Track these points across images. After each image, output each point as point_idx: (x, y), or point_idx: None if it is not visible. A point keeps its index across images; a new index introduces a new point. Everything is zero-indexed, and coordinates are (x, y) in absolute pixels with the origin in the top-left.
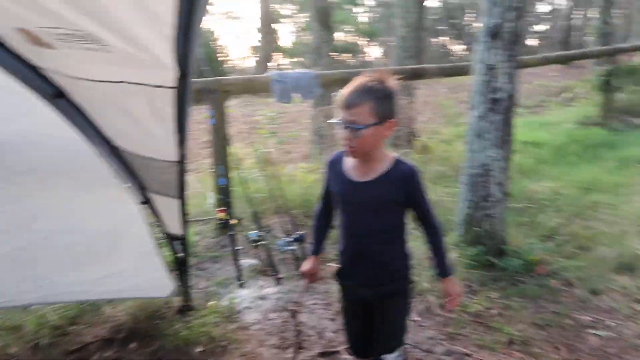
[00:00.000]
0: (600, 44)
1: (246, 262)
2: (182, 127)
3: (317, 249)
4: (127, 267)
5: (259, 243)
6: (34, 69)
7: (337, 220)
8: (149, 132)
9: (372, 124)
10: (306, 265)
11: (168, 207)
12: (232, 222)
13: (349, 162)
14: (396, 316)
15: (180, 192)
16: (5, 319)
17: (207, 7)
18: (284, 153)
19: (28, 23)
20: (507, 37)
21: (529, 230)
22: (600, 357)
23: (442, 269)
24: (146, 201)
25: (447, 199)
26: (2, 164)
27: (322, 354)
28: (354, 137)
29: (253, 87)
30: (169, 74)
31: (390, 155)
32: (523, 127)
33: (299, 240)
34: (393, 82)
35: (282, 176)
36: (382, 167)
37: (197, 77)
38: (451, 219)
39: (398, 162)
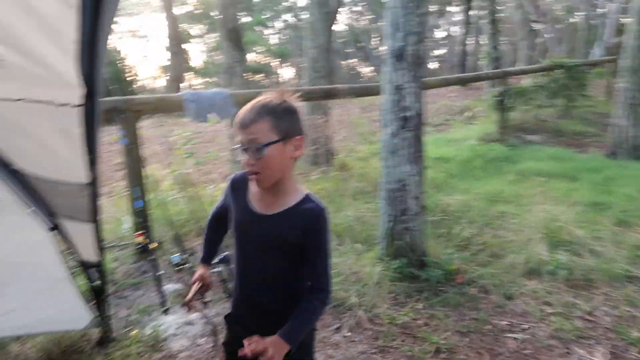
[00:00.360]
0: (491, 67)
1: (170, 287)
2: (92, 148)
3: (207, 257)
4: (35, 300)
5: (182, 266)
6: None
7: (234, 246)
8: (55, 154)
9: (274, 142)
10: (195, 275)
11: (81, 232)
12: (152, 246)
13: (254, 190)
14: None
15: (94, 216)
16: None
17: (113, 22)
18: (204, 174)
19: None
20: (411, 59)
21: (446, 241)
22: (519, 359)
23: (288, 329)
24: (55, 227)
25: (368, 214)
26: None
27: None
28: (257, 158)
29: (165, 106)
30: (75, 92)
31: (301, 190)
32: (432, 144)
33: (225, 261)
34: (293, 99)
35: (202, 197)
36: (288, 200)
37: (105, 96)
38: (374, 233)
39: (307, 199)
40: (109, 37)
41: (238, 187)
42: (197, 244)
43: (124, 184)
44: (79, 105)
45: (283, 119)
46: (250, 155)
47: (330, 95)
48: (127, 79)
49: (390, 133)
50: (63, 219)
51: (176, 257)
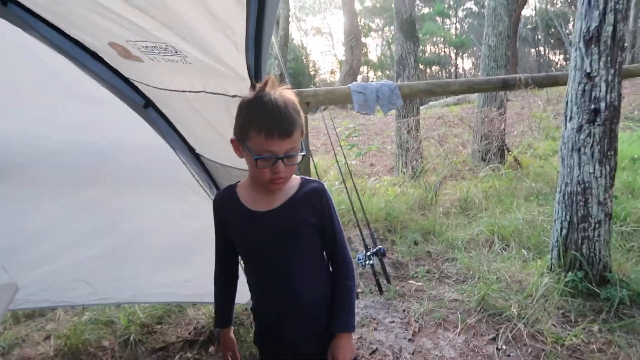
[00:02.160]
0: None
1: None
2: None
3: (227, 320)
4: (209, 271)
5: None
6: (126, 81)
7: (247, 272)
8: (227, 141)
9: (301, 147)
10: (223, 345)
11: None
12: None
13: (245, 194)
14: None
15: None
16: (100, 314)
17: (275, 16)
18: (368, 166)
19: (118, 37)
20: (607, 42)
21: (638, 257)
22: None
23: (342, 322)
24: None
25: (541, 218)
26: (97, 168)
27: None
28: (289, 166)
29: (333, 98)
30: (245, 84)
31: (295, 177)
32: (632, 142)
33: (379, 254)
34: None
35: (363, 189)
36: (286, 191)
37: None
38: (545, 240)
39: (304, 182)
40: (272, 32)
41: (227, 204)
42: (354, 235)
43: None
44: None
45: (303, 122)
46: (287, 164)
47: (506, 85)
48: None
49: (574, 127)
50: None
51: None
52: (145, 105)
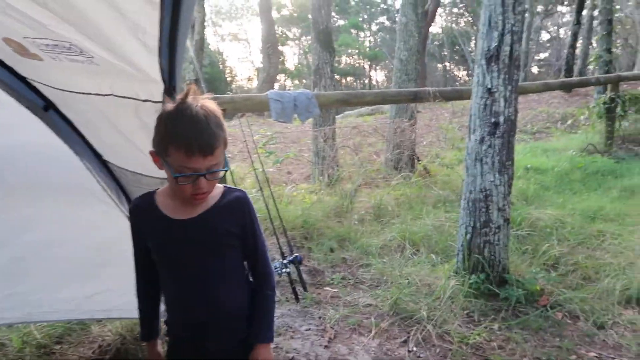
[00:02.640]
0: (602, 72)
1: None
2: None
3: (152, 332)
4: (116, 286)
5: None
6: (24, 81)
7: (163, 285)
8: (137, 148)
9: (225, 161)
10: (150, 357)
11: None
12: None
13: (164, 201)
14: None
15: None
16: None
17: (191, 20)
18: (285, 174)
19: (14, 33)
20: (505, 61)
21: (532, 259)
22: None
23: (262, 333)
24: None
25: (448, 224)
26: None
27: None
28: (211, 182)
29: (250, 106)
30: (157, 88)
31: (218, 185)
32: (526, 153)
33: (296, 262)
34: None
35: (280, 197)
36: (211, 198)
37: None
38: (452, 244)
39: (227, 190)
40: (187, 34)
41: (145, 211)
42: (271, 242)
43: None
44: (160, 102)
45: (226, 135)
46: (209, 179)
47: (417, 98)
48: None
49: (477, 139)
50: None
51: None
52: (45, 108)
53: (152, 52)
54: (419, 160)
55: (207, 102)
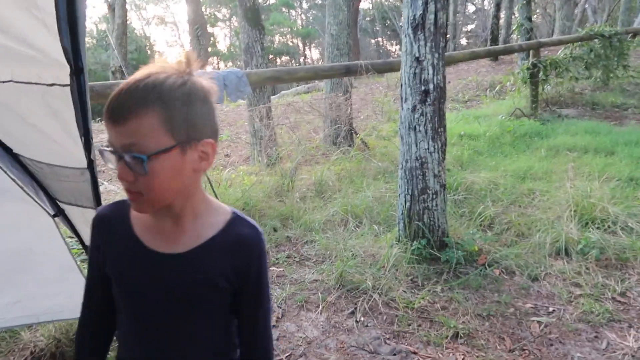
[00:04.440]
0: (524, 39)
1: None
2: (86, 129)
3: None
4: (42, 289)
5: None
6: None
7: (119, 323)
8: (50, 138)
9: (165, 149)
10: None
11: (84, 218)
12: None
13: (141, 218)
14: None
15: (96, 202)
16: None
17: None
18: (223, 157)
19: None
20: (430, 29)
21: (469, 221)
22: (543, 343)
23: None
24: (58, 214)
25: (389, 195)
26: None
27: None
28: (137, 174)
29: None
30: (64, 71)
31: (223, 208)
32: (459, 120)
33: None
34: (203, 76)
35: (219, 180)
36: (205, 227)
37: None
38: (393, 214)
39: (235, 221)
40: (85, 10)
41: (113, 227)
42: None
43: None
44: (66, 85)
45: (182, 111)
46: (127, 167)
47: (350, 72)
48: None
49: (409, 108)
50: (65, 205)
51: None
52: None
53: (51, 32)
54: (356, 134)
55: (192, 71)
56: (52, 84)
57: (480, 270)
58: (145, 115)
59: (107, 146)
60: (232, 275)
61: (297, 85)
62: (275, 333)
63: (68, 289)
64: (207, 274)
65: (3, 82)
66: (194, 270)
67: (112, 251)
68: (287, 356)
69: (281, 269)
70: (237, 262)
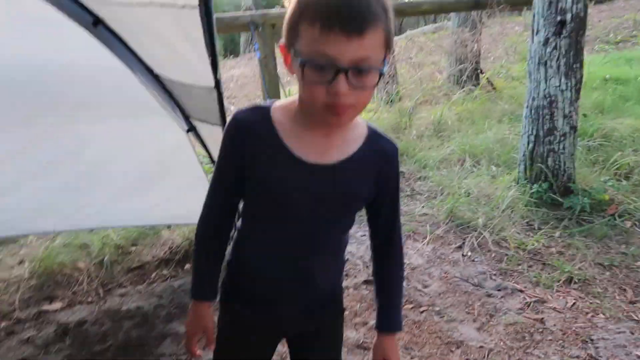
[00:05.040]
0: None
1: None
2: (213, 50)
3: (209, 289)
4: (178, 195)
5: None
6: None
7: (249, 222)
8: (184, 58)
9: (384, 63)
10: (197, 321)
11: (212, 134)
12: None
13: (287, 129)
14: (340, 344)
15: (222, 120)
16: (73, 238)
17: None
18: None
19: None
20: None
21: (602, 169)
22: None
23: (393, 321)
24: (191, 129)
25: (512, 137)
26: (50, 94)
27: (367, 282)
28: (356, 87)
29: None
30: None
31: (360, 122)
32: (605, 63)
33: None
34: None
35: None
36: (350, 141)
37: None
38: (515, 157)
39: (373, 135)
40: None
41: (259, 136)
42: None
43: (261, 97)
44: (196, 7)
45: (391, 26)
46: (354, 85)
47: (479, 5)
48: None
49: (540, 41)
50: (196, 121)
51: None
52: (94, 23)
53: None
54: (482, 73)
55: None
56: (184, 6)
57: (609, 220)
58: (378, 29)
59: (319, 61)
60: (374, 185)
61: (425, 25)
62: None
63: (199, 198)
64: (353, 185)
65: (144, 4)
66: (343, 181)
67: (257, 155)
68: None
69: None
70: (380, 173)
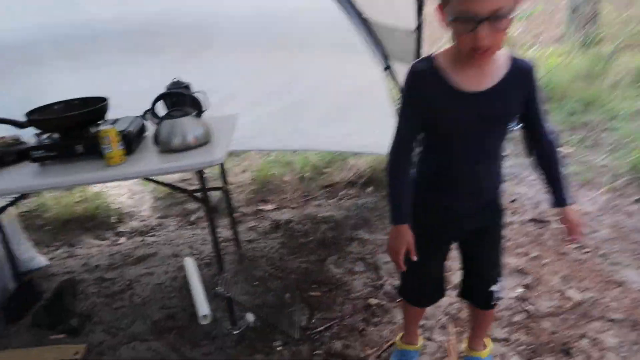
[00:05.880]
0: None
1: None
2: None
3: (406, 213)
4: (366, 127)
5: None
6: None
7: (428, 146)
8: (391, 2)
9: (513, 7)
10: (400, 241)
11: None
12: None
13: (450, 69)
14: (501, 242)
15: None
16: (282, 157)
17: None
18: (533, 36)
19: None
20: None
21: None
22: None
23: (563, 197)
24: (388, 67)
25: None
26: (278, 34)
27: (533, 220)
28: (495, 32)
29: None
30: None
31: (503, 52)
32: None
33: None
34: None
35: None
36: (500, 68)
37: None
38: None
39: (514, 60)
40: None
41: (430, 81)
42: None
43: None
44: None
45: None
46: (490, 29)
47: None
48: None
49: None
50: (395, 60)
51: None
52: None
53: None
54: None
55: None
56: None
57: None
58: None
59: (464, 16)
60: (520, 99)
61: None
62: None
63: (384, 132)
64: (506, 102)
65: None
66: (497, 100)
67: (432, 98)
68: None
69: (571, 150)
70: (525, 88)
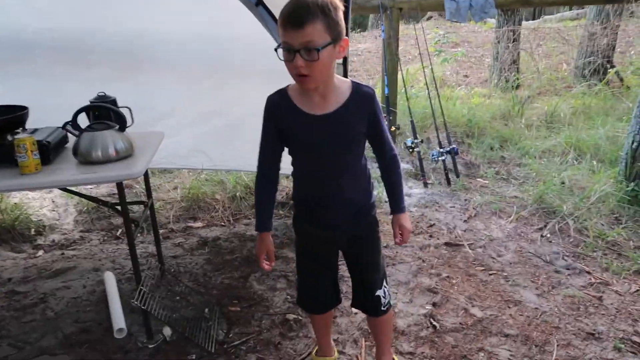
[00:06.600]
0: None
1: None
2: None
3: (268, 223)
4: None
5: (413, 150)
6: None
7: (295, 166)
8: None
9: (328, 44)
10: (261, 246)
11: None
12: (391, 129)
13: (298, 97)
14: (378, 248)
15: None
16: (214, 176)
17: None
18: (462, 77)
19: None
20: None
21: None
22: None
23: (400, 205)
24: None
25: (624, 135)
26: (215, 60)
27: (447, 244)
28: (309, 62)
29: (427, 5)
30: None
31: (343, 79)
32: None
33: (452, 152)
34: None
35: (451, 97)
36: (342, 94)
37: None
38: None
39: (355, 87)
40: None
41: (278, 107)
42: (432, 135)
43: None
44: None
45: (335, 19)
46: (303, 59)
47: None
48: None
49: None
50: None
51: (409, 140)
52: (256, 4)
53: None
54: (612, 67)
55: None
56: None
57: None
58: (316, 22)
59: (283, 47)
60: (362, 121)
61: (564, 11)
62: (464, 226)
63: None
64: (349, 123)
65: None
66: (341, 122)
67: (286, 122)
68: (469, 244)
69: (486, 182)
70: (366, 110)
